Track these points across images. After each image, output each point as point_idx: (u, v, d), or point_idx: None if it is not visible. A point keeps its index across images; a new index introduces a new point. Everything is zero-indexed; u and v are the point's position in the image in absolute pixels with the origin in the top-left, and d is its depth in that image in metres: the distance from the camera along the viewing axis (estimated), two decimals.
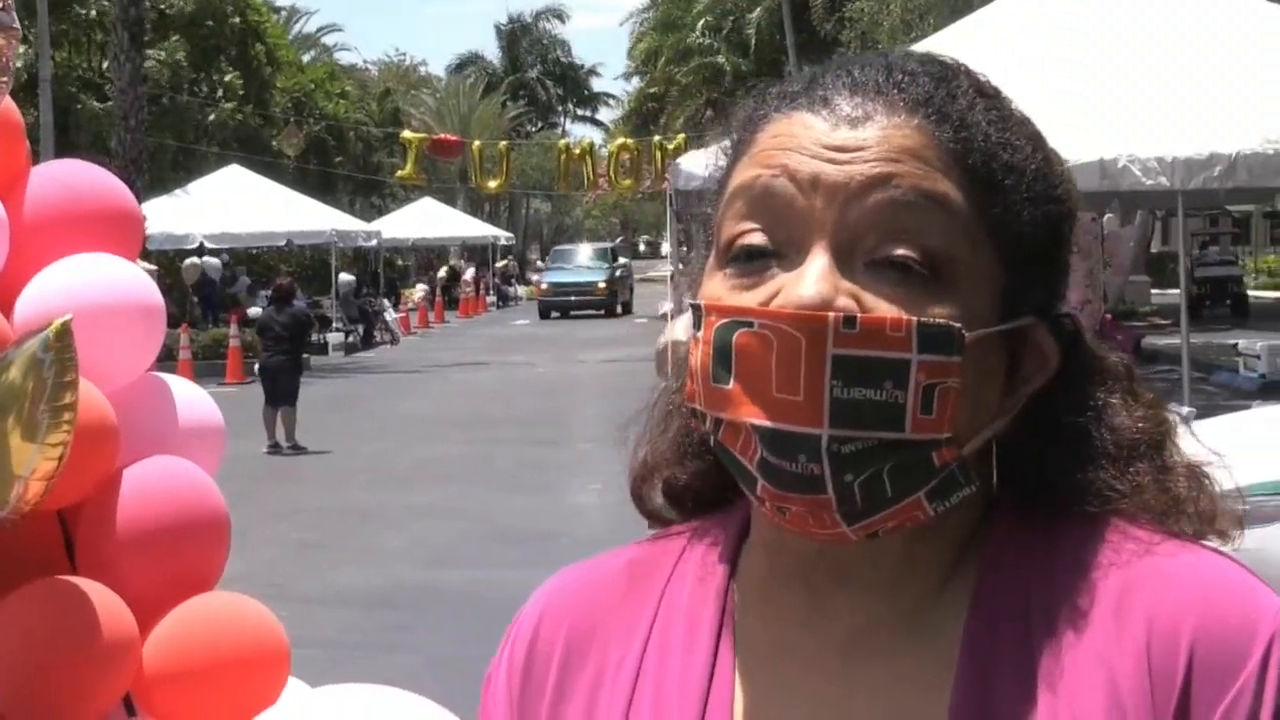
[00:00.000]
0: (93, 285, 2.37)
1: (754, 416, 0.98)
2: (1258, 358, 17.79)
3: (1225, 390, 17.02)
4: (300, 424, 18.01)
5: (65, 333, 2.04)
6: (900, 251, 0.98)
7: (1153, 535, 1.04)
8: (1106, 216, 19.73)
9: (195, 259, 29.59)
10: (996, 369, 1.03)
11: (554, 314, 42.64)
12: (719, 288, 1.02)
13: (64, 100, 28.33)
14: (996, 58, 11.81)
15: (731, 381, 0.99)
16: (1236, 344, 19.18)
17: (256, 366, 16.71)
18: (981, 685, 1.01)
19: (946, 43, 13.26)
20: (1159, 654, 0.98)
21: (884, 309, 0.97)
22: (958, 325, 0.98)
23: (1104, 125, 11.41)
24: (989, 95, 1.06)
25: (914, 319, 0.97)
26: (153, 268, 20.76)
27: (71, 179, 2.51)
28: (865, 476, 0.98)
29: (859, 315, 0.97)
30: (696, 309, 1.03)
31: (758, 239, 1.01)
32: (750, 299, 1.00)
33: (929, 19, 27.56)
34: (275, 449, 15.97)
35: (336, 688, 2.79)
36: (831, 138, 1.01)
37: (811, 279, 0.98)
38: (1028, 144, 1.05)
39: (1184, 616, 0.99)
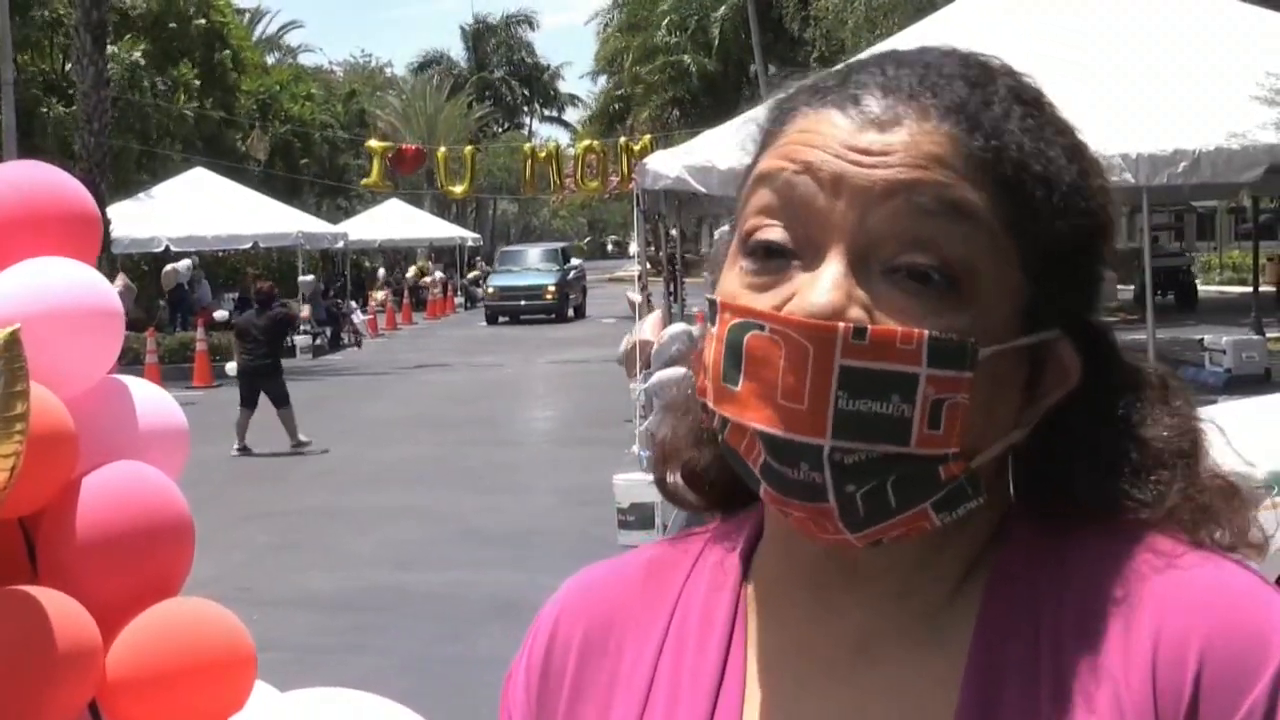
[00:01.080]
0: (49, 289, 2.34)
1: (758, 421, 0.97)
2: (1223, 353, 17.90)
3: (1192, 385, 17.10)
4: (267, 426, 17.96)
5: (14, 342, 2.02)
6: (918, 260, 0.96)
7: (1176, 547, 1.02)
8: None
9: (175, 265, 29.48)
10: (1015, 381, 1.01)
11: (502, 319, 40.67)
12: (735, 283, 1.01)
13: (28, 103, 28.14)
14: None
15: (740, 383, 0.98)
16: (1202, 339, 19.30)
17: (233, 370, 16.63)
18: (988, 696, 0.99)
19: (910, 41, 13.29)
20: (1166, 669, 0.96)
21: (897, 320, 0.95)
22: (971, 340, 0.96)
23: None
24: (1027, 102, 1.03)
25: (925, 333, 0.95)
26: (130, 285, 20.68)
27: (26, 181, 2.48)
28: (868, 488, 0.97)
29: (869, 327, 0.95)
30: (712, 304, 1.01)
31: (776, 235, 1.00)
32: (765, 300, 0.98)
33: (893, 17, 27.64)
34: (245, 452, 15.93)
35: (305, 692, 2.77)
36: (858, 139, 0.99)
37: (825, 286, 0.96)
38: (1063, 154, 1.02)
39: (1194, 630, 0.96)
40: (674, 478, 1.17)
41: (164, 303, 29.94)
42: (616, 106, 51.68)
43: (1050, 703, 0.97)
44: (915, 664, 1.03)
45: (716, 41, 45.31)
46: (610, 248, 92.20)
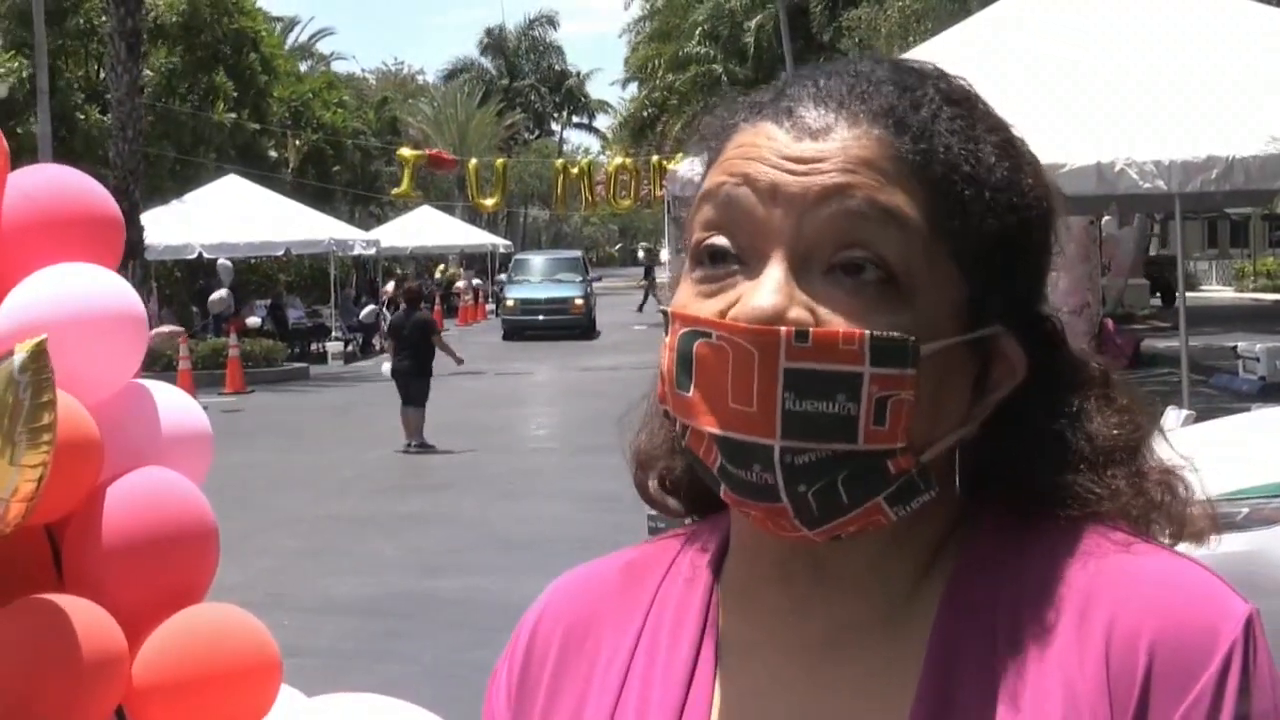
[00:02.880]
0: (73, 296, 2.35)
1: (711, 425, 1.00)
2: (1257, 360, 17.80)
3: (1225, 393, 17.01)
4: (298, 432, 18.02)
5: (40, 353, 2.02)
6: (857, 254, 1.00)
7: (1126, 539, 1.05)
8: (1104, 219, 19.77)
9: (219, 294, 29.75)
10: (962, 376, 1.04)
11: (525, 334, 35.70)
12: (686, 294, 1.04)
13: (65, 111, 28.34)
14: (993, 62, 11.82)
15: (692, 389, 1.01)
16: (1236, 346, 19.18)
17: (388, 370, 16.94)
18: (945, 686, 1.02)
19: (944, 47, 13.26)
20: (1118, 659, 0.99)
21: (839, 320, 0.99)
22: (911, 338, 0.99)
23: (1101, 128, 11.40)
24: (956, 102, 1.06)
25: (866, 332, 0.98)
26: (179, 329, 20.75)
27: (48, 186, 2.49)
28: (819, 486, 1.00)
29: (811, 329, 0.98)
30: (665, 315, 1.05)
31: (720, 241, 1.03)
32: (711, 306, 1.01)
33: (926, 23, 27.59)
34: (422, 448, 16.18)
35: (332, 697, 2.77)
36: (792, 149, 1.02)
37: (767, 290, 0.99)
38: (993, 152, 1.05)
39: (1145, 621, 0.99)
40: (654, 484, 1.19)
41: (196, 309, 30.10)
42: (647, 114, 51.63)
43: (1006, 692, 1.00)
44: (878, 656, 1.05)
45: (750, 50, 45.20)
46: (641, 254, 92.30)
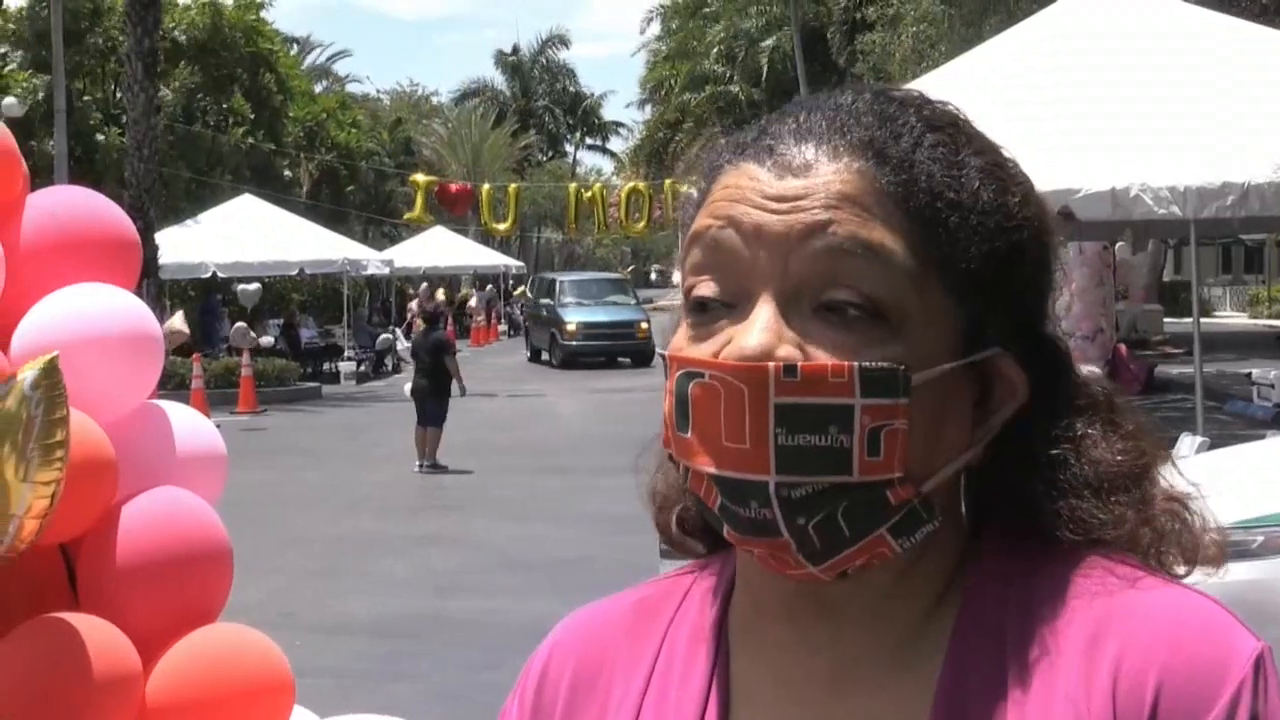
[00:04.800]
0: (89, 316, 2.36)
1: (708, 465, 1.01)
2: (1271, 387, 17.72)
3: (1239, 420, 16.95)
4: (310, 451, 18.02)
5: (52, 369, 2.03)
6: (839, 296, 1.00)
7: (1135, 572, 1.04)
8: (1118, 245, 19.72)
9: (240, 326, 29.93)
10: (961, 402, 1.04)
11: (586, 361, 32.60)
12: (681, 337, 1.05)
13: (82, 130, 28.47)
14: (1008, 87, 11.83)
15: (689, 431, 1.02)
16: (1250, 373, 19.11)
17: (409, 389, 17.02)
18: None
19: (957, 73, 13.27)
20: (1125, 694, 0.98)
21: (830, 355, 0.99)
22: (902, 367, 0.99)
23: (1116, 154, 11.40)
24: (939, 128, 1.06)
25: (855, 364, 0.98)
26: (184, 330, 20.80)
27: (65, 207, 2.50)
28: (819, 519, 1.00)
29: (799, 364, 0.98)
30: (664, 359, 1.06)
31: (709, 290, 1.04)
32: (704, 350, 1.02)
33: (940, 48, 27.61)
34: (434, 468, 16.19)
35: (344, 718, 2.77)
36: (774, 188, 1.03)
37: (755, 330, 1.00)
38: (978, 177, 1.04)
39: (1153, 656, 0.98)
40: (674, 526, 1.20)
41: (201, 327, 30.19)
42: (661, 135, 51.69)
43: None
44: (887, 692, 1.05)
45: (765, 70, 45.20)
46: (654, 276, 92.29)
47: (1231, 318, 42.76)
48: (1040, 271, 1.08)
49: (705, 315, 1.04)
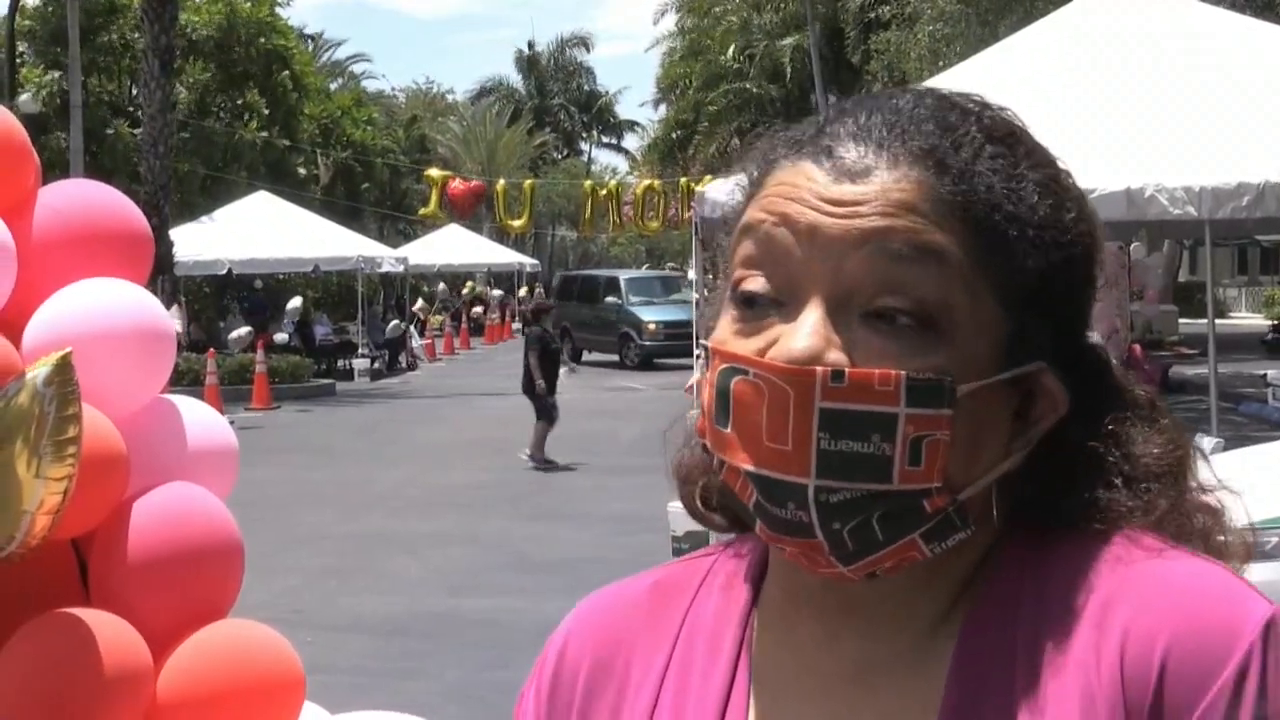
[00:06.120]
0: (101, 311, 2.36)
1: (747, 463, 1.01)
2: None
3: (1254, 420, 16.90)
4: (323, 448, 18.06)
5: (65, 366, 2.03)
6: (890, 303, 1.00)
7: (1154, 543, 1.04)
8: (1133, 245, 19.68)
9: (297, 300, 30.16)
10: (1003, 412, 1.04)
11: (654, 361, 31.56)
12: (726, 329, 1.05)
13: (96, 126, 28.54)
14: (1023, 87, 11.80)
15: (729, 426, 1.02)
16: (1265, 374, 19.06)
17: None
18: (966, 713, 1.02)
19: (973, 72, 13.25)
20: (1133, 661, 0.98)
21: (875, 362, 0.99)
22: (948, 379, 0.99)
23: (1131, 154, 11.37)
24: (998, 140, 1.06)
25: (902, 374, 0.98)
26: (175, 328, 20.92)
27: (77, 201, 2.50)
28: (854, 524, 1.00)
29: (847, 370, 0.98)
30: (706, 350, 1.06)
31: (758, 286, 1.04)
32: (750, 345, 1.02)
33: (955, 47, 27.55)
34: (544, 464, 16.14)
35: (355, 715, 2.77)
36: (831, 190, 1.02)
37: (804, 333, 1.00)
38: (1036, 190, 1.04)
39: (1161, 622, 0.98)
40: (697, 502, 1.20)
41: (223, 325, 30.27)
42: (676, 135, 51.59)
43: (1027, 706, 1.00)
44: (905, 689, 1.05)
45: (789, 70, 44.98)
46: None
47: (1247, 319, 42.62)
48: (1087, 285, 1.09)
49: (752, 310, 1.04)
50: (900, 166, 1.02)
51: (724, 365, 1.02)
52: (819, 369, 0.98)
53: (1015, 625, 1.03)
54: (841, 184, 1.02)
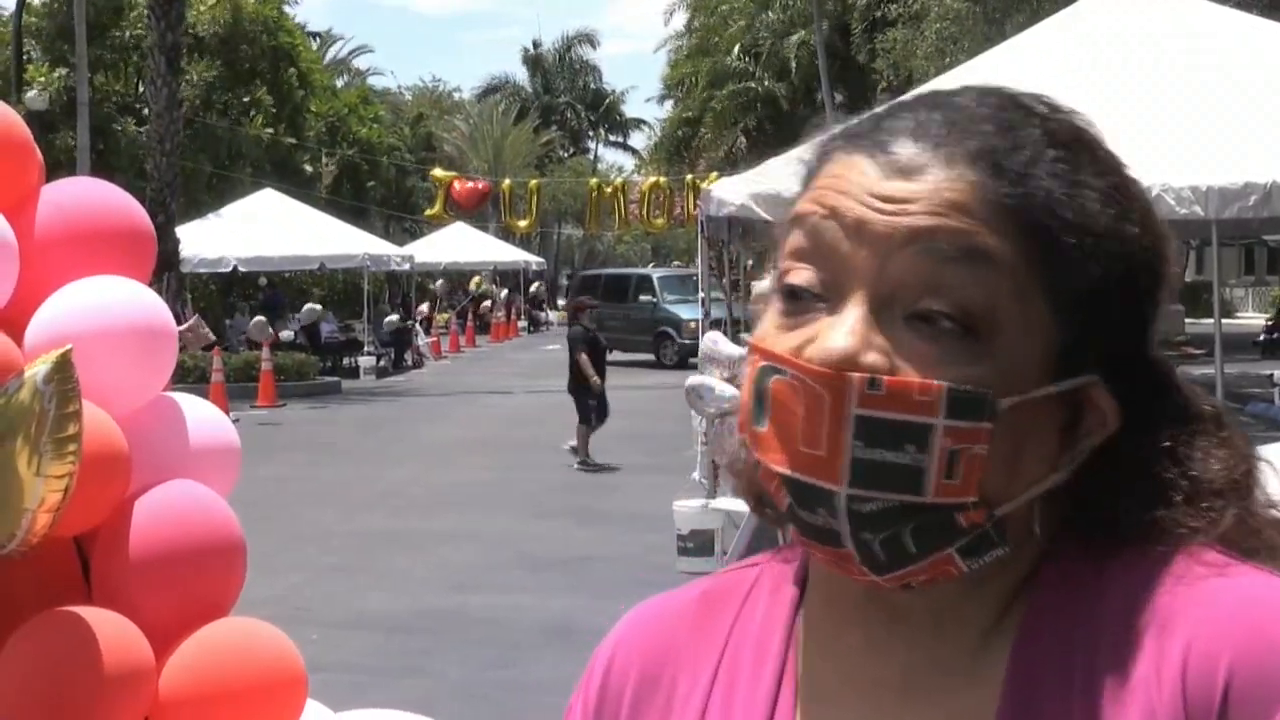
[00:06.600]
0: (103, 309, 2.36)
1: (780, 465, 0.99)
2: None
3: (1260, 421, 16.87)
4: (329, 446, 18.07)
5: (65, 363, 2.03)
6: (933, 305, 0.97)
7: (1224, 561, 1.00)
8: None
9: (315, 306, 30.24)
10: (1048, 426, 1.01)
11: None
12: (769, 323, 1.03)
13: (102, 123, 28.57)
14: (1029, 86, 11.76)
15: (766, 426, 1.00)
16: (1272, 374, 19.02)
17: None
18: None
19: (980, 71, 13.23)
20: (1195, 681, 0.95)
21: (916, 366, 0.96)
22: (988, 391, 0.96)
23: (1137, 154, 11.22)
24: (1061, 144, 1.02)
25: (944, 385, 0.96)
26: (208, 335, 20.83)
27: (79, 199, 2.50)
28: (885, 535, 0.98)
29: (884, 378, 0.96)
30: (750, 346, 1.04)
31: (802, 279, 1.01)
32: (791, 340, 1.00)
33: (962, 45, 27.53)
34: (584, 465, 16.03)
35: (358, 713, 2.77)
36: (882, 186, 1.00)
37: (842, 331, 0.97)
38: (1098, 197, 1.01)
39: (1225, 640, 0.95)
40: (750, 495, 1.16)
41: (230, 323, 30.32)
42: (682, 133, 51.56)
43: None
44: (955, 700, 1.03)
45: (795, 67, 44.87)
46: None
47: (1254, 319, 42.57)
48: (1150, 298, 1.04)
49: (796, 304, 1.01)
50: (954, 166, 0.99)
51: (762, 363, 1.00)
52: (855, 376, 0.96)
53: (1071, 642, 1.00)
54: (893, 180, 1.00)
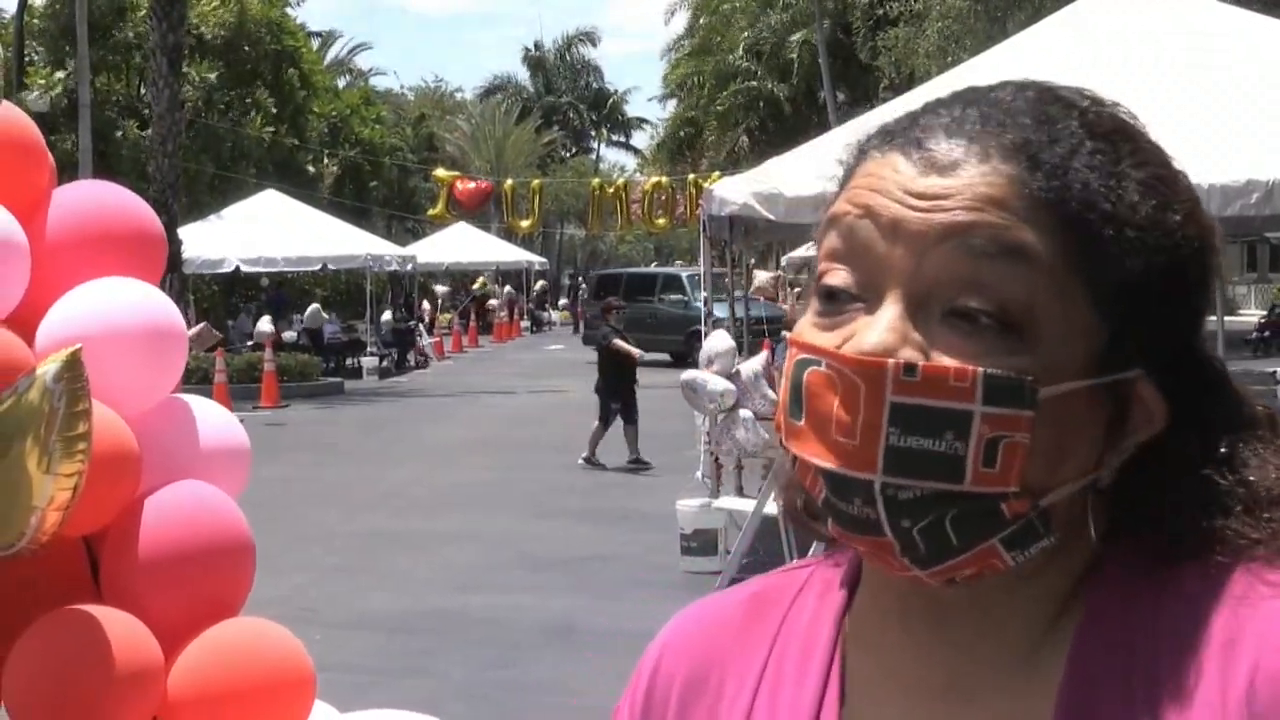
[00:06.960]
0: (114, 310, 2.37)
1: (817, 456, 0.97)
2: None
3: None
4: (332, 447, 18.08)
5: (75, 362, 2.04)
6: (971, 303, 0.95)
7: None
8: None
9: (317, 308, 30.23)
10: (1093, 421, 0.99)
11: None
12: (806, 321, 1.02)
13: (104, 125, 28.57)
14: None
15: (802, 418, 0.99)
16: (1275, 372, 19.02)
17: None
18: None
19: (981, 69, 13.23)
20: (1265, 705, 0.93)
21: (952, 362, 0.95)
22: (1029, 378, 0.94)
23: None
24: (1101, 136, 1.00)
25: (980, 370, 0.94)
26: (216, 334, 20.82)
27: (91, 202, 2.51)
28: (925, 524, 0.96)
29: (920, 364, 0.94)
30: (786, 342, 1.03)
31: (839, 280, 1.00)
32: (829, 339, 0.99)
33: (964, 43, 27.51)
34: (589, 463, 16.02)
35: (363, 713, 2.78)
36: (917, 184, 0.98)
37: (879, 328, 0.96)
38: (1138, 190, 0.99)
39: None
40: (799, 508, 1.14)
41: (233, 324, 30.33)
42: (684, 133, 51.50)
43: None
44: (1007, 702, 1.01)
45: (797, 66, 44.77)
46: None
47: (1256, 316, 42.52)
48: (1198, 292, 1.02)
49: (833, 305, 1.00)
50: (990, 161, 0.97)
51: (799, 356, 0.99)
52: (891, 361, 0.94)
53: (1130, 658, 0.98)
54: (929, 177, 0.98)
